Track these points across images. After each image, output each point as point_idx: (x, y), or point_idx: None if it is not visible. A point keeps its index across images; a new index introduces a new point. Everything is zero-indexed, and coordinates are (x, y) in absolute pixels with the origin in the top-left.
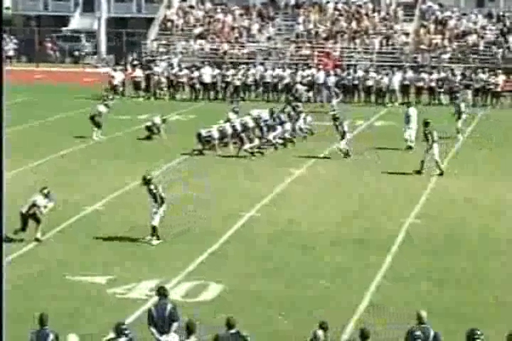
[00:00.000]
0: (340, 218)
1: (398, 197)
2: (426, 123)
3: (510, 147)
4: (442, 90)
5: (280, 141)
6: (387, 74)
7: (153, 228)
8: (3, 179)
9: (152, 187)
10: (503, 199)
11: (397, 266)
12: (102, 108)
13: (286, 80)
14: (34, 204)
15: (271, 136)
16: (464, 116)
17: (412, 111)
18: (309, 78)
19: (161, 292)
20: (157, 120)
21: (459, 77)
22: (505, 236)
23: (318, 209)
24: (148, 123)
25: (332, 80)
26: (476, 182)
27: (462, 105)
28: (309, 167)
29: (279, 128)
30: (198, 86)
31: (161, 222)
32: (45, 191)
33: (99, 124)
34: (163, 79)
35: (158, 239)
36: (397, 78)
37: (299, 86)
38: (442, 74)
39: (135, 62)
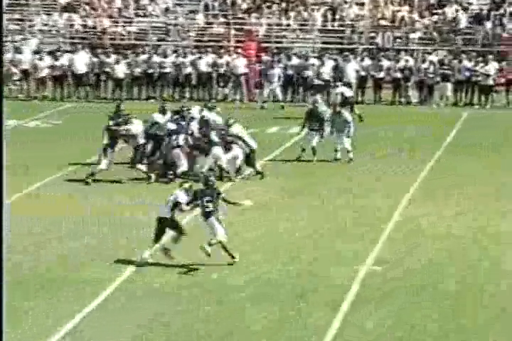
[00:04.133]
0: (271, 262)
1: (351, 232)
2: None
3: (502, 161)
4: (411, 83)
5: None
6: (335, 61)
7: (221, 243)
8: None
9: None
10: (497, 233)
11: (349, 330)
12: None
13: (188, 70)
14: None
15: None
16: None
17: (346, 112)
18: (224, 67)
19: None
20: None
21: (433, 65)
22: (491, 287)
23: (241, 249)
24: None
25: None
26: (459, 209)
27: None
28: (230, 189)
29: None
30: (69, 79)
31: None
32: (187, 185)
33: None
34: (15, 70)
35: (233, 258)
36: (352, 66)
37: None
38: (411, 62)
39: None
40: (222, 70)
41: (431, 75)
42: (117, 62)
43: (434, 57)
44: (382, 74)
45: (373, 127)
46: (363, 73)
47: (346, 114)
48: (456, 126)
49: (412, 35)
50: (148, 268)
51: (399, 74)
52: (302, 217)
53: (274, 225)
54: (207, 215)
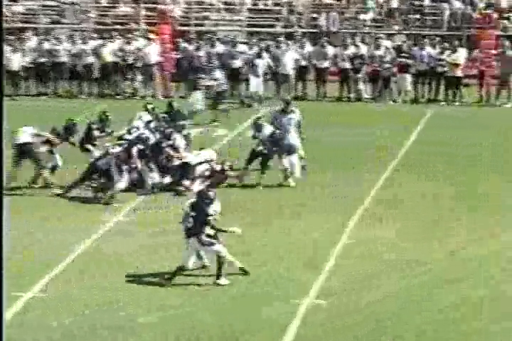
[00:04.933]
0: (191, 296)
1: (290, 259)
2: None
3: (474, 170)
4: (361, 75)
5: None
6: (268, 47)
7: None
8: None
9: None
10: (469, 259)
11: None
12: None
13: (89, 59)
14: None
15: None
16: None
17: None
18: (133, 56)
19: None
20: None
21: (390, 53)
22: (461, 324)
23: (147, 283)
24: None
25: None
26: (421, 228)
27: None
28: (131, 212)
29: None
30: None
31: None
32: None
33: None
34: None
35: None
36: (290, 55)
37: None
38: (362, 49)
39: None
40: (130, 59)
41: (387, 65)
42: (14, 50)
43: (389, 43)
44: (326, 64)
45: (315, 129)
46: (303, 63)
47: (298, 111)
48: (418, 127)
49: (362, 16)
50: (42, 301)
51: (347, 64)
52: (228, 241)
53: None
54: (187, 233)
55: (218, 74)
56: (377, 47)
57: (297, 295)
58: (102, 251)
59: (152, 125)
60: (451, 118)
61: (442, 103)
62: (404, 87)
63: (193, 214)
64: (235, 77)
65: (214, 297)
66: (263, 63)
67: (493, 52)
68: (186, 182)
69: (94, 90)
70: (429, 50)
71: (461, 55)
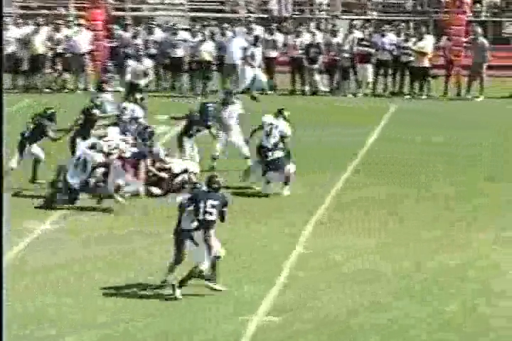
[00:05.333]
0: (128, 315)
1: (238, 271)
2: None
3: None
4: (317, 66)
5: None
6: (212, 35)
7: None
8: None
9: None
10: (438, 272)
11: None
12: None
13: (12, 48)
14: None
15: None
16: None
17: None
18: (63, 45)
19: None
20: None
21: (349, 41)
22: None
23: (78, 298)
24: None
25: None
26: (383, 237)
27: None
28: (61, 218)
29: None
30: None
31: None
32: None
33: None
34: None
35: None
36: (237, 43)
37: None
38: (318, 36)
39: None
40: (59, 48)
41: (345, 54)
42: None
43: (358, 33)
44: (275, 53)
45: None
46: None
47: (239, 103)
48: (381, 123)
49: (318, 0)
50: None
51: (300, 53)
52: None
53: (132, 267)
54: (207, 225)
55: (148, 62)
56: (334, 33)
57: (246, 311)
58: (28, 263)
59: (130, 139)
60: (418, 114)
61: (407, 96)
62: (365, 78)
63: (216, 203)
64: (175, 67)
65: (152, 313)
66: (259, 52)
67: (464, 39)
68: (157, 191)
69: (19, 83)
70: (391, 37)
71: (429, 42)
